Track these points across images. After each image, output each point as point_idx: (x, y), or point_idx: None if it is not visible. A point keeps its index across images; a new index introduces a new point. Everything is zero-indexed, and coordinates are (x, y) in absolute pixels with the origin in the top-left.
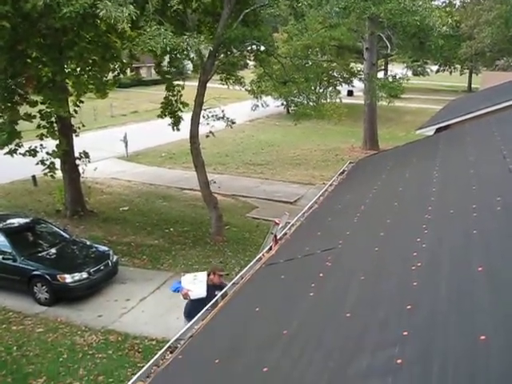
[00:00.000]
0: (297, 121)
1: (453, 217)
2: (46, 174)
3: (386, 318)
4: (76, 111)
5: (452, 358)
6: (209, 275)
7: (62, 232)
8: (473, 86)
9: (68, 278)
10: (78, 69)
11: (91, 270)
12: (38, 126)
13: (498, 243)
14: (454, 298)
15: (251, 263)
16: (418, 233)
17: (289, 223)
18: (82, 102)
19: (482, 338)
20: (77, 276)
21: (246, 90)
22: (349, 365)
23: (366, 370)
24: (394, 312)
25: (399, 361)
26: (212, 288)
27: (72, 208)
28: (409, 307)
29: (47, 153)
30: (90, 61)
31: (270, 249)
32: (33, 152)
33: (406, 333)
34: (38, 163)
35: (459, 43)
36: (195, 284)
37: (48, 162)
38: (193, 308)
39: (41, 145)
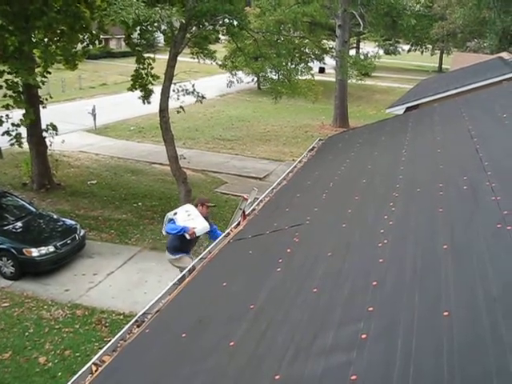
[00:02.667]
0: (274, 99)
1: (420, 195)
2: (12, 145)
3: (351, 294)
4: (43, 82)
5: (416, 333)
6: (196, 207)
7: (28, 205)
8: (443, 66)
9: (34, 252)
10: (46, 39)
11: (58, 244)
12: (4, 96)
13: (463, 222)
14: (419, 275)
15: (219, 238)
16: (386, 210)
17: (257, 199)
18: (50, 73)
19: (446, 313)
20: (43, 250)
21: (217, 64)
22: (314, 340)
23: (331, 345)
24: (360, 288)
25: (364, 336)
26: None
27: (39, 181)
28: (374, 283)
29: (13, 124)
30: (59, 31)
31: (239, 224)
32: None
33: (371, 308)
34: (3, 134)
35: (431, 23)
36: (194, 219)
37: (14, 133)
38: (182, 242)
39: (6, 115)
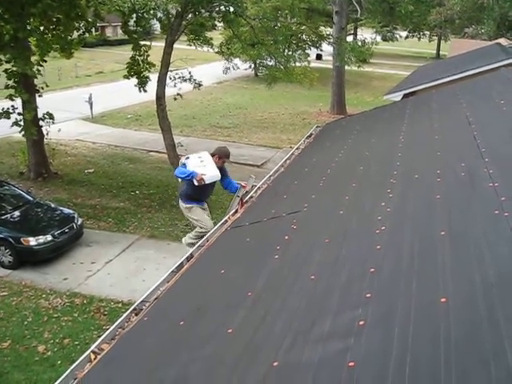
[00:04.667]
0: (269, 85)
1: (417, 182)
2: (24, 136)
3: (349, 281)
4: (39, 71)
5: (413, 320)
6: (213, 156)
7: (25, 194)
8: (441, 52)
9: (32, 241)
10: (42, 27)
11: (56, 233)
12: (6, 87)
13: (460, 208)
14: (417, 262)
15: (217, 226)
16: (383, 197)
17: (255, 186)
18: (46, 61)
19: (443, 300)
20: (41, 239)
21: (214, 51)
22: (312, 327)
23: (328, 332)
24: (358, 275)
25: (361, 323)
26: None
27: (36, 170)
28: (372, 270)
29: (19, 113)
30: (54, 19)
31: (236, 212)
32: (5, 114)
33: (368, 295)
34: (12, 125)
35: (429, 9)
36: (205, 166)
37: (22, 123)
38: (193, 189)
39: (12, 106)
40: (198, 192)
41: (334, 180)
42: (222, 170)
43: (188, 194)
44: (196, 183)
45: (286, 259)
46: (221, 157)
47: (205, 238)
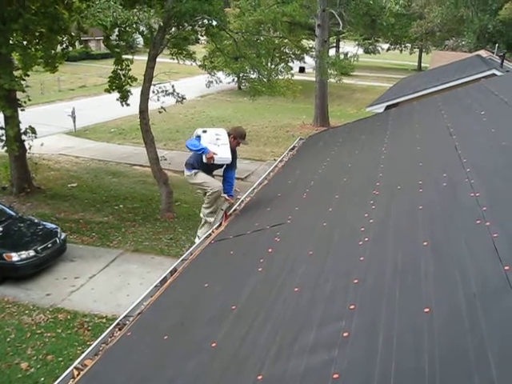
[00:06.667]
0: (252, 97)
1: (400, 193)
2: (7, 151)
3: (333, 293)
4: (23, 85)
5: (397, 330)
6: (229, 136)
7: (7, 209)
8: (422, 64)
9: (15, 257)
10: (25, 42)
11: (39, 248)
12: None
13: (442, 218)
14: (400, 272)
15: (201, 239)
16: (366, 208)
17: (239, 199)
18: (28, 75)
19: (426, 310)
20: (24, 254)
21: (197, 65)
22: (296, 339)
23: (313, 344)
24: (341, 286)
25: (345, 334)
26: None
27: (18, 185)
28: (356, 281)
29: (1, 128)
30: (37, 33)
31: (220, 225)
32: None
33: (352, 306)
34: None
35: (410, 22)
36: (219, 147)
37: (4, 138)
38: (199, 164)
39: None
40: (204, 167)
41: (317, 192)
42: (233, 153)
43: (193, 165)
44: (205, 160)
45: (269, 272)
46: (236, 137)
47: (188, 251)
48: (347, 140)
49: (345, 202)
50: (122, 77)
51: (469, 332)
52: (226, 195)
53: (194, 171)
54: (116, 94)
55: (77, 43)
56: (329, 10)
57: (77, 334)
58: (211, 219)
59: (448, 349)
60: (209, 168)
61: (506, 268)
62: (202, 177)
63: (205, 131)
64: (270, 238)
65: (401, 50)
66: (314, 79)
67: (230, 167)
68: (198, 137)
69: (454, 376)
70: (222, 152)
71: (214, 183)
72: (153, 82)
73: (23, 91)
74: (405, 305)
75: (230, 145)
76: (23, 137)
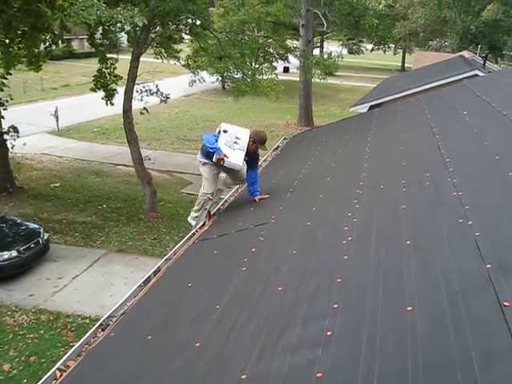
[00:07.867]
0: (236, 97)
1: (383, 192)
2: None
3: (316, 292)
4: (4, 83)
5: (380, 329)
6: (249, 138)
7: None
8: (406, 65)
9: None
10: (7, 40)
11: (21, 249)
12: None
13: (425, 217)
14: (383, 271)
15: (184, 239)
16: (350, 207)
17: (223, 199)
18: (10, 74)
19: (409, 309)
20: (6, 255)
21: (181, 64)
22: (280, 338)
23: (296, 343)
24: (325, 285)
25: (329, 333)
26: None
27: (0, 185)
28: (339, 280)
29: None
30: (20, 32)
31: (204, 224)
32: None
33: (336, 305)
34: None
35: (393, 23)
36: (234, 150)
37: None
38: (209, 158)
39: None
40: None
41: (301, 191)
42: (253, 156)
43: (207, 155)
44: (214, 159)
45: (253, 271)
46: (255, 141)
47: (172, 250)
48: (331, 140)
49: (328, 201)
50: (107, 75)
51: (451, 330)
52: (253, 197)
53: (205, 160)
54: (100, 94)
55: (60, 42)
56: (313, 10)
57: (60, 335)
58: (194, 222)
59: (431, 347)
60: (218, 164)
61: (488, 266)
62: (208, 172)
63: (225, 131)
64: (254, 238)
65: (384, 51)
66: (297, 79)
67: (251, 168)
68: (218, 133)
69: (438, 374)
70: (234, 157)
71: (209, 187)
72: (137, 82)
73: (2, 90)
74: (388, 303)
75: (248, 147)
76: (5, 136)
